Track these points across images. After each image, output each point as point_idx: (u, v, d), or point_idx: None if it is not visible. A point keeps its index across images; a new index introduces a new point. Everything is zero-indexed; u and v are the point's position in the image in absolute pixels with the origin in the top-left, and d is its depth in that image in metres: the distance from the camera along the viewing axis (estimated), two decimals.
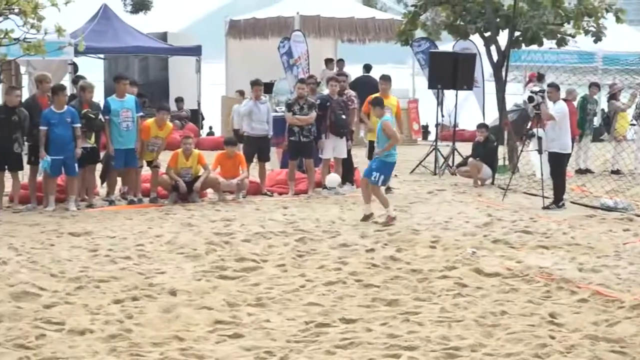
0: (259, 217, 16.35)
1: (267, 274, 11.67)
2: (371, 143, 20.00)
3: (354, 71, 30.05)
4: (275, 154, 21.12)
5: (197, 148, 19.78)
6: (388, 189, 19.40)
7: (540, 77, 24.41)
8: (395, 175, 21.03)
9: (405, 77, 40.22)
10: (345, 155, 19.77)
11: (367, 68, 29.78)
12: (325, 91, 20.60)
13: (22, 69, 30.82)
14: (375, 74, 25.97)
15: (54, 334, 8.93)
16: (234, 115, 29.13)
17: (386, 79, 20.26)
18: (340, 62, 30.32)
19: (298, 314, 9.79)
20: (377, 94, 19.31)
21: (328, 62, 30.60)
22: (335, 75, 22.46)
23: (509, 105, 23.84)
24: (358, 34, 33.33)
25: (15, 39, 19.05)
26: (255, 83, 20.11)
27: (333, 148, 19.66)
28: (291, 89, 26.34)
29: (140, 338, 8.76)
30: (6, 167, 17.30)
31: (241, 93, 28.59)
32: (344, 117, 19.53)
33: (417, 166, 23.65)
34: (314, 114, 19.29)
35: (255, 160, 19.74)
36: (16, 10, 19.00)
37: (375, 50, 36.84)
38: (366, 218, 16.07)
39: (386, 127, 16.22)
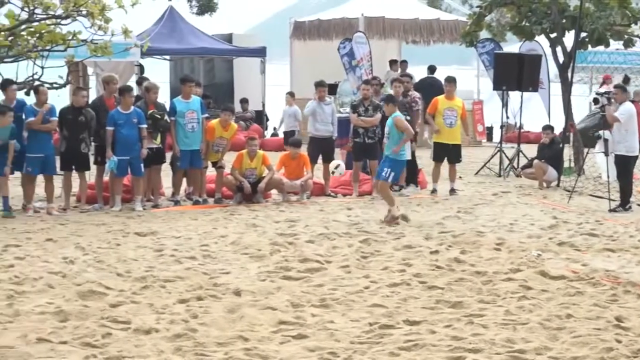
0: (323, 218, 16.36)
1: (331, 275, 11.66)
2: (436, 144, 19.96)
3: (418, 73, 29.93)
4: (339, 155, 21.13)
5: (261, 149, 19.83)
6: (452, 191, 19.34)
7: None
8: (460, 177, 20.95)
9: (470, 78, 40.06)
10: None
11: (432, 69, 29.66)
12: (390, 92, 20.56)
13: (90, 70, 31.15)
14: (440, 75, 25.87)
15: (120, 333, 9.00)
16: (283, 117, 29.28)
17: (451, 80, 20.19)
18: (404, 63, 30.25)
19: (362, 315, 9.76)
20: (441, 96, 19.25)
21: (392, 63, 30.55)
22: (399, 76, 22.40)
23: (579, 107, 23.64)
24: (422, 35, 33.20)
25: (82, 41, 19.26)
26: (319, 84, 20.14)
27: None
28: (353, 90, 26.33)
29: (205, 338, 8.80)
30: (74, 167, 17.50)
31: (291, 95, 28.70)
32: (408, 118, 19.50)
33: (482, 168, 23.50)
34: (378, 116, 19.24)
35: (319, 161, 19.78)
36: (84, 12, 19.20)
37: (440, 51, 36.69)
38: (404, 218, 15.97)
39: (399, 121, 16.20)
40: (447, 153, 19.93)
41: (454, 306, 10.24)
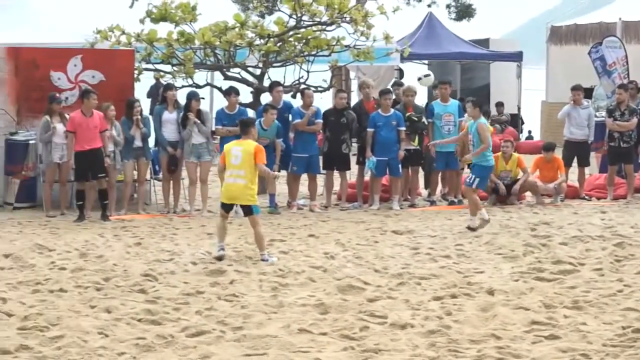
0: (576, 220, 15.99)
1: (584, 278, 11.38)
2: None
3: None
4: (594, 158, 20.61)
5: (516, 152, 19.61)
6: None
7: None
8: None
9: None
10: None
11: None
12: None
13: (352, 74, 31.69)
14: None
15: (377, 327, 9.08)
16: None
17: None
18: None
19: (615, 318, 9.47)
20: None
21: None
22: None
23: None
24: None
25: (346, 46, 19.63)
26: (575, 88, 19.71)
27: None
28: (607, 94, 25.59)
29: (458, 335, 8.76)
30: (335, 167, 17.83)
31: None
32: None
33: None
34: (634, 120, 18.67)
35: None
36: (347, 19, 19.59)
37: None
38: (482, 224, 15.14)
39: (481, 130, 15.27)
40: None
41: None
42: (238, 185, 12.53)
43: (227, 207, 12.87)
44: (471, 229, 14.83)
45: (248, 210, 12.75)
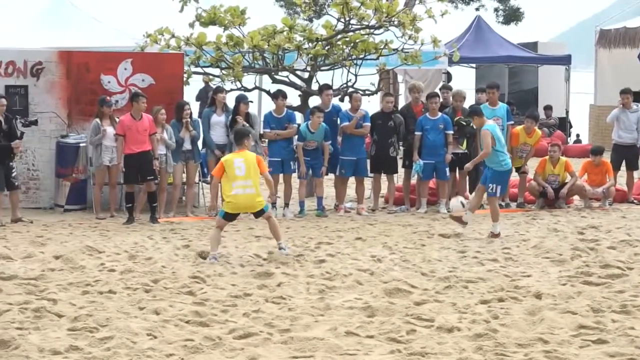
0: (625, 224, 15.85)
1: (633, 282, 11.25)
2: None
3: None
4: None
5: (564, 155, 19.46)
6: None
7: None
8: None
9: None
10: None
11: None
12: None
13: (399, 78, 31.65)
14: None
15: (423, 330, 9.05)
16: None
17: None
18: None
19: None
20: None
21: None
22: None
23: None
24: None
25: (394, 50, 19.60)
26: (624, 91, 19.51)
27: None
28: None
29: (505, 338, 8.70)
30: (382, 170, 17.80)
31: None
32: None
33: None
34: None
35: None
36: (395, 23, 19.57)
37: None
38: (457, 219, 15.12)
39: (484, 136, 14.88)
40: None
41: None
42: (249, 195, 12.81)
43: (231, 217, 13.14)
44: (494, 235, 14.70)
45: (260, 212, 13.08)
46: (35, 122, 17.33)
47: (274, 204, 16.69)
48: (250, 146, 13.56)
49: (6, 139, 16.26)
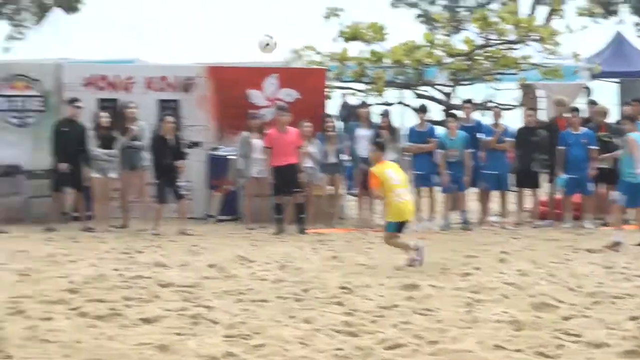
0: None
1: None
2: None
3: None
4: None
5: None
6: None
7: None
8: None
9: None
10: None
11: None
12: None
13: (537, 92, 31.25)
14: None
15: (572, 345, 8.88)
16: None
17: None
18: None
19: None
20: None
21: None
22: None
23: None
24: None
25: (533, 64, 19.43)
26: None
27: None
28: None
29: None
30: (526, 184, 17.63)
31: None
32: None
33: None
34: None
35: None
36: (535, 37, 19.40)
37: None
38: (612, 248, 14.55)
39: (629, 141, 14.57)
40: None
41: None
42: (410, 202, 13.10)
43: (400, 227, 13.16)
44: (616, 243, 14.50)
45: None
46: (198, 144, 17.77)
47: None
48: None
49: (173, 157, 16.65)
